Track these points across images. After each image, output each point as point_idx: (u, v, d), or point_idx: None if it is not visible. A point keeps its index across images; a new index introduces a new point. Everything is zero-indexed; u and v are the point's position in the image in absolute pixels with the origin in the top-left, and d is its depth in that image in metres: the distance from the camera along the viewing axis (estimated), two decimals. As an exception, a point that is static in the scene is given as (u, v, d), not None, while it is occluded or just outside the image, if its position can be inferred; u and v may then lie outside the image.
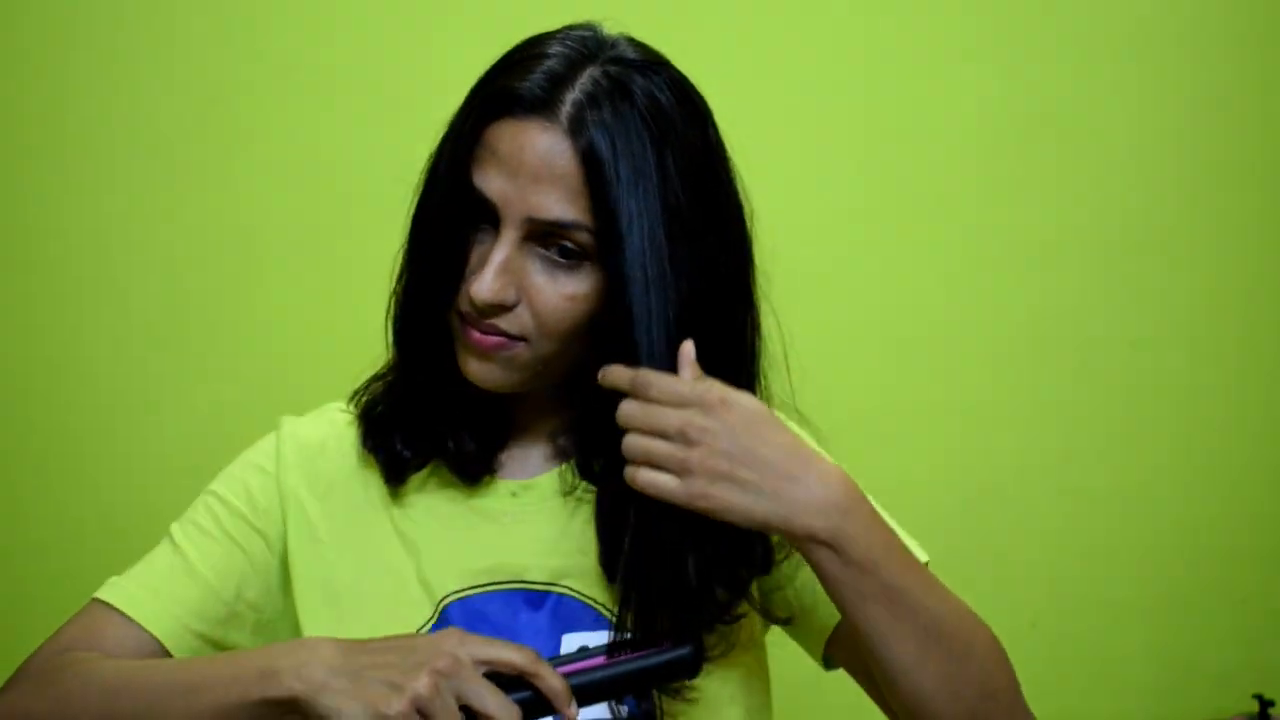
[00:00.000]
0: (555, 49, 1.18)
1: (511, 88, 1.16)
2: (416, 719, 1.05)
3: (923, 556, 1.30)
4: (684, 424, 1.09)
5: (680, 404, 1.10)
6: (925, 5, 2.08)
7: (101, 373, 1.98)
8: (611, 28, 1.23)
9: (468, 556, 1.27)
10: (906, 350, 2.09)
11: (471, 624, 1.24)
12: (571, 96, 1.15)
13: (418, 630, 1.24)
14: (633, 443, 1.12)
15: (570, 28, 1.22)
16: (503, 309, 1.18)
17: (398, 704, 1.04)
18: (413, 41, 1.97)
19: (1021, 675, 1.21)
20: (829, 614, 1.27)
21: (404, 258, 1.25)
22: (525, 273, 1.18)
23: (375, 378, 1.31)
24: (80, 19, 1.94)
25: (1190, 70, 2.13)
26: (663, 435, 1.10)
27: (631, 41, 1.22)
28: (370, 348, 1.30)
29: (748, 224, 1.24)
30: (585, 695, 1.13)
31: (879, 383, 2.08)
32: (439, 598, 1.25)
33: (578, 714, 1.10)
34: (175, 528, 1.28)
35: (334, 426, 1.32)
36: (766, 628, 1.33)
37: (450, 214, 1.19)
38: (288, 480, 1.29)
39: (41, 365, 1.97)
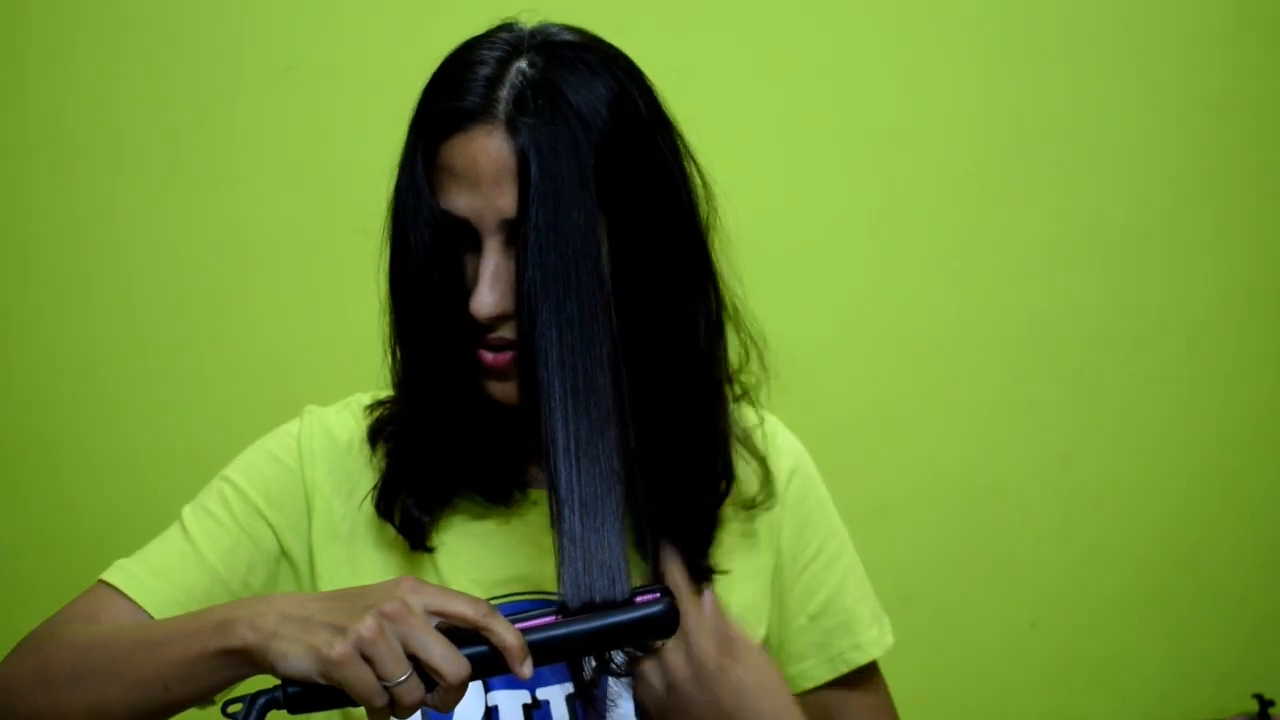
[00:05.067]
0: (483, 53, 1.16)
1: (452, 105, 1.15)
2: (360, 662, 1.02)
3: (887, 641, 1.33)
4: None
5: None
6: (925, 4, 2.08)
7: (102, 371, 1.98)
8: (599, 23, 1.22)
9: (489, 567, 1.26)
10: (907, 350, 2.09)
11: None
12: (504, 94, 1.14)
13: None
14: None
15: (492, 31, 1.20)
16: (506, 318, 1.16)
17: (340, 646, 1.02)
18: (413, 42, 1.97)
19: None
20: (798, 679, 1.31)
21: (394, 313, 1.22)
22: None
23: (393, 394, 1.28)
24: (79, 19, 1.94)
25: (1190, 71, 2.13)
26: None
27: (559, 26, 1.20)
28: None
29: (698, 191, 1.21)
30: (545, 653, 1.07)
31: (879, 383, 2.08)
32: None
33: (532, 672, 1.06)
34: (187, 511, 1.26)
35: (359, 423, 1.30)
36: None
37: (432, 248, 1.17)
38: (313, 477, 1.27)
39: (43, 364, 1.97)
